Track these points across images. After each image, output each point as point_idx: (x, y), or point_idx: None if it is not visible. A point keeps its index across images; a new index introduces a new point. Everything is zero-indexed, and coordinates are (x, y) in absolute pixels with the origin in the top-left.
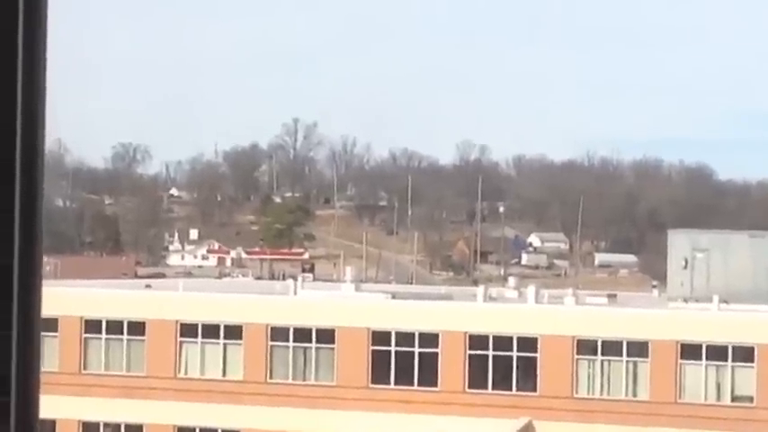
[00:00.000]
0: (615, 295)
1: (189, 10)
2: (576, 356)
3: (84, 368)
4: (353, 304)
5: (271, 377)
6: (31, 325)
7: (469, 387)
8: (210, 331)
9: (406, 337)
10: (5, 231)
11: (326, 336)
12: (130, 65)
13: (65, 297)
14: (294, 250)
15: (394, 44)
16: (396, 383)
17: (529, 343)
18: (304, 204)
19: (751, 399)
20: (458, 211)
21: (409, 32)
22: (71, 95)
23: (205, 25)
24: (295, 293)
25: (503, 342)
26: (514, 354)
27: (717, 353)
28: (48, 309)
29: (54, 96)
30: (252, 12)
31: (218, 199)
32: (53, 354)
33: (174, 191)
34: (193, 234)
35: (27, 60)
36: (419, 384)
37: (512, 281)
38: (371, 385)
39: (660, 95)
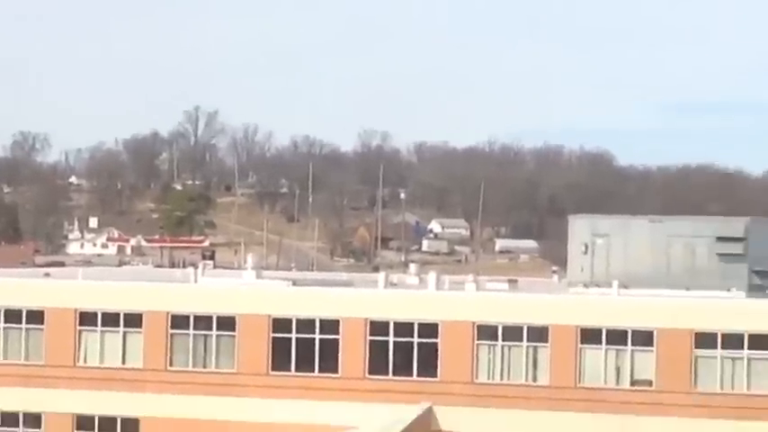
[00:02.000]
0: (516, 280)
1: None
2: (476, 342)
3: None
4: (254, 291)
5: (171, 365)
6: None
7: (370, 373)
8: (110, 319)
9: (306, 324)
10: None
11: (227, 323)
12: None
13: None
14: (194, 238)
15: (303, 29)
16: (296, 370)
17: (429, 329)
18: (205, 192)
19: (650, 382)
20: (359, 198)
21: (315, 15)
22: None
23: (108, 18)
24: (195, 281)
25: (403, 328)
26: (415, 340)
27: (617, 337)
28: None
29: None
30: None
31: (119, 187)
32: None
33: (73, 179)
34: (93, 222)
35: None
36: (320, 371)
37: (413, 267)
38: (272, 372)
39: (560, 83)
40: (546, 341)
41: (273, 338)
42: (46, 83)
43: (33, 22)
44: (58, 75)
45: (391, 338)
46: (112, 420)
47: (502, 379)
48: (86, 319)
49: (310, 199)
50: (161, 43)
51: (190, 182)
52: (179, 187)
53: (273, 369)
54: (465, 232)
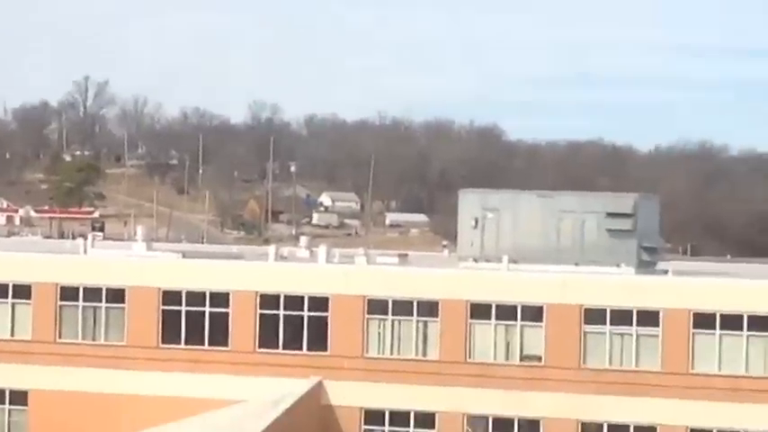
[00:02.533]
0: (406, 255)
1: None
2: (366, 316)
3: None
4: (144, 263)
5: (60, 337)
6: None
7: (260, 347)
8: None
9: (197, 297)
10: None
11: (117, 295)
12: None
13: None
14: (84, 209)
15: (186, 4)
16: (186, 343)
17: (320, 302)
18: (94, 163)
19: (540, 358)
20: (249, 171)
21: None
22: None
23: None
24: (85, 252)
25: (294, 301)
26: (305, 313)
27: (506, 312)
28: None
29: None
30: None
31: (7, 156)
32: None
33: None
34: None
35: None
36: (210, 344)
37: (303, 240)
38: (162, 345)
39: (452, 58)
40: (436, 316)
41: (163, 311)
42: None
43: None
44: None
45: (281, 312)
46: (0, 392)
47: (392, 353)
48: None
49: (200, 171)
50: (52, 10)
51: (79, 152)
52: (68, 158)
53: (163, 342)
54: (355, 206)
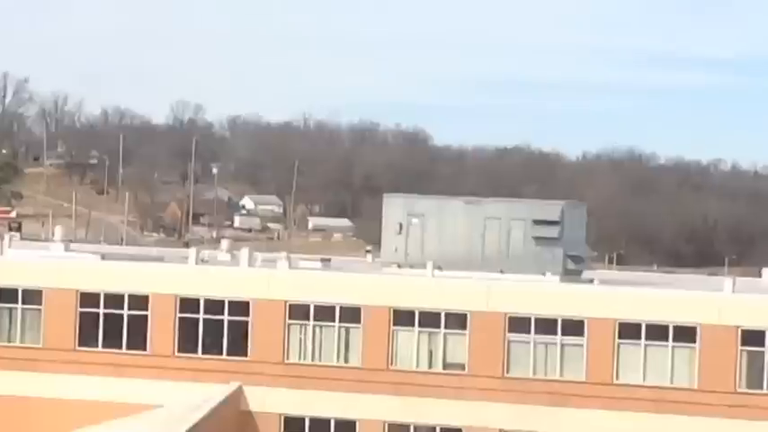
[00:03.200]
0: (329, 259)
1: None
2: (288, 321)
3: None
4: (62, 265)
5: None
6: None
7: (179, 351)
8: None
9: (115, 299)
10: None
11: (34, 296)
12: None
13: None
14: (1, 208)
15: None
16: (104, 346)
17: (241, 307)
18: (12, 161)
19: (463, 366)
20: (171, 172)
21: None
22: None
23: None
24: (1, 253)
25: (214, 305)
26: (226, 318)
27: (430, 319)
28: None
29: None
30: None
31: None
32: None
33: None
34: None
35: None
36: (128, 347)
37: (224, 243)
38: (79, 348)
39: (377, 60)
40: (359, 322)
41: (81, 313)
42: None
43: None
44: None
45: (201, 316)
46: None
47: (313, 359)
48: None
49: (121, 171)
50: None
51: None
52: None
53: (80, 345)
54: (278, 209)
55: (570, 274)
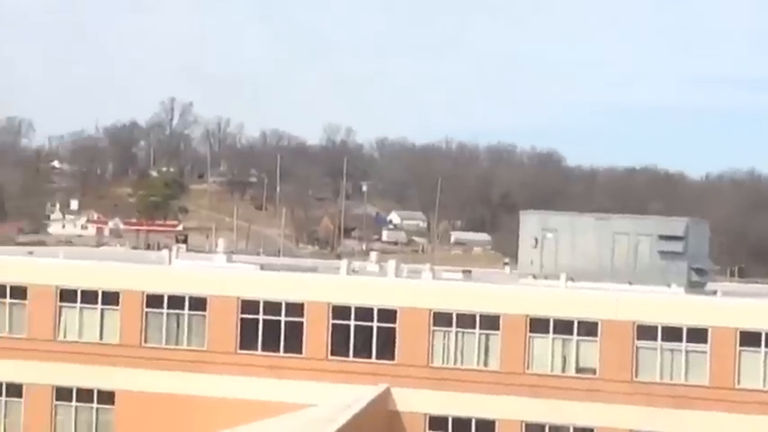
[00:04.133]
0: (470, 271)
1: None
2: (432, 328)
3: None
4: (225, 274)
5: (145, 341)
6: None
7: (332, 354)
8: (89, 297)
9: (273, 307)
10: None
11: (199, 303)
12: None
13: None
14: (169, 222)
15: (268, 25)
16: (263, 350)
17: (388, 314)
18: (179, 179)
19: (594, 371)
20: (323, 190)
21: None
22: None
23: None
24: (170, 263)
25: (364, 313)
26: (375, 324)
27: (563, 327)
28: None
29: None
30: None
31: (98, 172)
32: None
33: (56, 163)
34: (74, 204)
35: None
36: (285, 351)
37: (373, 255)
38: (240, 351)
39: (514, 85)
40: (497, 329)
41: (242, 319)
42: (32, 70)
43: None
44: (44, 64)
45: (352, 322)
46: (89, 392)
47: (455, 363)
48: (67, 296)
49: (278, 189)
50: (144, 39)
51: (165, 169)
52: (155, 174)
53: (241, 348)
54: (422, 224)
55: (694, 286)
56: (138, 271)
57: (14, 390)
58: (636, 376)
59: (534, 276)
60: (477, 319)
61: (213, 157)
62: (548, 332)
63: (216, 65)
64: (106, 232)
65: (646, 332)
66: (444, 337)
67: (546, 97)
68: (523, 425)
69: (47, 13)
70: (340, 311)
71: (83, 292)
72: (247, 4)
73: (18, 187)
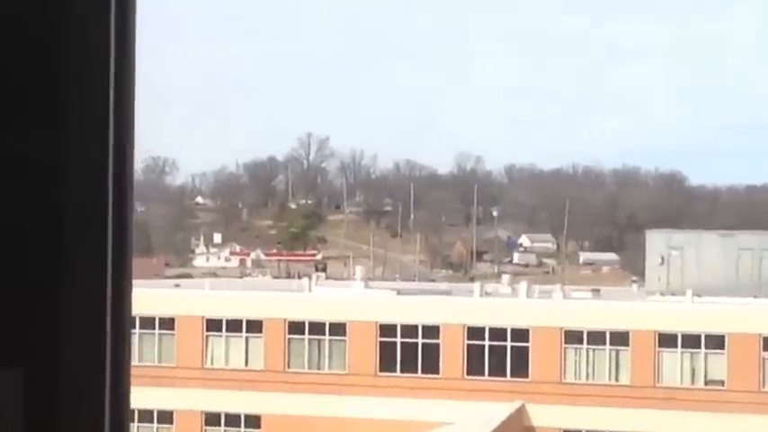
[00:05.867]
0: (599, 290)
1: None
2: (563, 345)
3: None
4: (363, 300)
5: (288, 367)
6: (123, 325)
7: (468, 374)
8: (234, 326)
9: (410, 330)
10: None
11: (339, 329)
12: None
13: None
14: (308, 252)
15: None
16: (401, 371)
17: (521, 334)
18: (317, 210)
19: (722, 382)
20: (455, 216)
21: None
22: None
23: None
24: (310, 290)
25: (498, 333)
26: (508, 343)
27: (691, 341)
28: None
29: None
30: (261, 32)
31: (239, 206)
32: None
33: (199, 199)
34: (217, 238)
35: (119, 69)
36: (423, 372)
37: (505, 278)
38: (379, 373)
39: (636, 106)
40: (627, 345)
41: (380, 342)
42: (174, 106)
43: None
44: (180, 104)
45: (487, 342)
46: (237, 417)
47: (587, 379)
48: (212, 325)
49: (412, 216)
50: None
51: (303, 201)
52: (294, 206)
53: (381, 371)
54: (552, 246)
55: None
56: (280, 299)
57: (165, 417)
58: (763, 387)
59: (661, 293)
60: (608, 335)
61: (349, 189)
62: (676, 346)
63: (348, 100)
64: (248, 263)
65: None
66: (576, 353)
67: (664, 118)
68: None
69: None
70: (475, 332)
71: (228, 321)
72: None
73: (163, 224)
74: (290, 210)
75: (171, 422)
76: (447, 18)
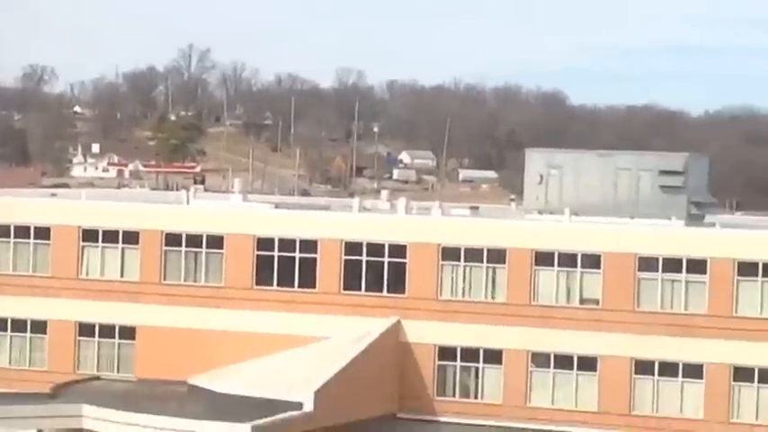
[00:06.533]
0: (477, 207)
1: None
2: (441, 262)
3: None
4: (241, 213)
5: (165, 279)
6: None
7: (345, 289)
8: (110, 236)
9: (288, 244)
10: None
11: (216, 241)
12: None
13: None
14: (187, 164)
15: None
16: (278, 285)
17: (399, 250)
18: (196, 122)
19: (597, 301)
20: (336, 131)
21: None
22: None
23: None
24: (188, 203)
25: (375, 249)
26: (386, 259)
27: (568, 260)
28: None
29: None
30: None
31: (119, 116)
32: None
33: (77, 108)
34: (95, 148)
35: None
36: (299, 286)
37: (384, 194)
38: (256, 287)
39: (524, 29)
40: (504, 263)
41: (258, 256)
42: (53, 17)
43: None
44: (64, 10)
45: (364, 258)
46: (111, 328)
47: (464, 296)
48: (89, 235)
49: (292, 131)
50: None
51: (183, 113)
52: (173, 118)
53: (257, 284)
54: (432, 163)
55: (694, 219)
56: (157, 211)
57: (39, 326)
58: (638, 306)
59: (539, 212)
60: (485, 253)
61: (229, 101)
62: (553, 265)
63: (232, 9)
64: (127, 174)
65: (647, 264)
66: (453, 271)
67: (550, 38)
68: (529, 354)
69: None
70: (352, 248)
71: (104, 231)
72: None
73: (41, 132)
74: (169, 121)
75: (44, 332)
76: None
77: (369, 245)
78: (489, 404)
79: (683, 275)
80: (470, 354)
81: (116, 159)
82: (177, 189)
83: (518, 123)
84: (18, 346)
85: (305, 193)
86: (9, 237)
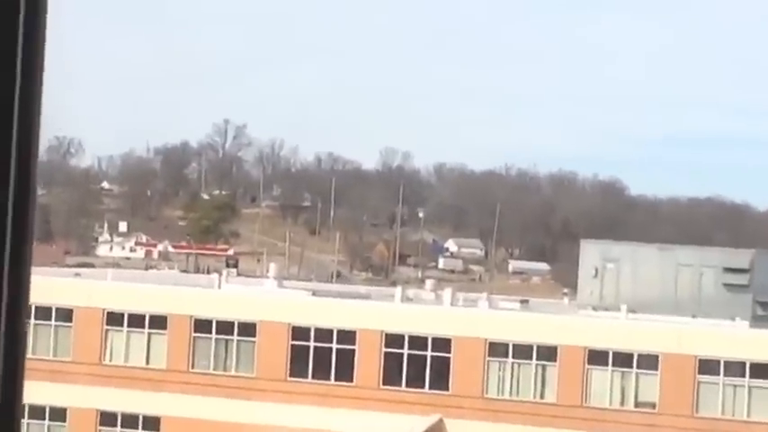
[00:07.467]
0: (527, 301)
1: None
2: (487, 358)
3: None
4: (275, 299)
5: (193, 367)
6: (19, 315)
7: (384, 384)
8: (136, 320)
9: (324, 334)
10: None
11: (248, 329)
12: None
13: None
14: (219, 246)
15: (323, 57)
16: (313, 377)
17: (443, 343)
18: (231, 202)
19: (654, 405)
20: (379, 215)
21: (337, 45)
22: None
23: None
24: (219, 287)
25: (418, 342)
26: (429, 353)
27: (623, 360)
28: None
29: None
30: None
31: (148, 194)
32: None
33: (105, 184)
34: (123, 226)
35: (26, 57)
36: (336, 379)
37: (429, 283)
38: (290, 378)
39: (578, 113)
40: (555, 360)
41: (292, 346)
42: (78, 88)
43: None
44: (91, 81)
45: (406, 351)
46: (134, 418)
47: (511, 395)
48: (113, 319)
49: (332, 213)
50: (189, 56)
51: (217, 192)
52: (206, 197)
53: (291, 375)
54: (480, 252)
55: (759, 320)
56: (187, 295)
57: (58, 414)
58: (697, 411)
59: (594, 308)
60: (534, 349)
61: (266, 181)
62: (607, 364)
63: (269, 88)
64: (155, 255)
65: (708, 366)
66: (500, 367)
67: (608, 126)
68: None
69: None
70: (393, 340)
71: (130, 315)
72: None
73: (65, 208)
74: (202, 200)
75: (64, 420)
76: (374, 14)
77: (411, 337)
78: None
79: (746, 380)
80: None
81: (144, 239)
82: (209, 272)
83: (573, 212)
84: None
85: (344, 281)
86: (29, 318)
